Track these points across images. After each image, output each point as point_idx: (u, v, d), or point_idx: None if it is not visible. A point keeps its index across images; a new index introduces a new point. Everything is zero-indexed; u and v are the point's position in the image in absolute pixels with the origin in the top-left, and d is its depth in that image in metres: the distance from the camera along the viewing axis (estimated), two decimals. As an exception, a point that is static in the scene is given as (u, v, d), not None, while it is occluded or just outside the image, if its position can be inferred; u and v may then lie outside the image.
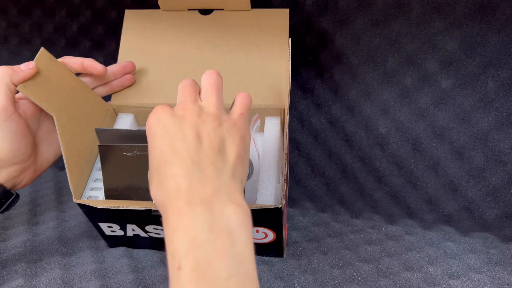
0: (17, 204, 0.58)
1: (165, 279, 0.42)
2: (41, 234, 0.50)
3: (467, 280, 0.43)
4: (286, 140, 0.41)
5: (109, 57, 0.69)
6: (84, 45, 0.70)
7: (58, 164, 0.72)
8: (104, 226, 0.44)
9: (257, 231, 0.43)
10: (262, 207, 0.38)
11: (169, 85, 0.52)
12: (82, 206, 0.40)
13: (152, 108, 0.31)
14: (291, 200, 0.61)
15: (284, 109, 0.51)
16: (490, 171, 0.55)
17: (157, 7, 0.55)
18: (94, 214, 0.42)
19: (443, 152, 0.57)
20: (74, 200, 0.41)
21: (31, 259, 0.45)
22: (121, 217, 0.42)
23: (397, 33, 0.57)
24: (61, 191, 0.63)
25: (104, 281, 0.41)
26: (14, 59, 0.72)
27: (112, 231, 0.45)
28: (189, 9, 0.56)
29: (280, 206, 0.38)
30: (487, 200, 0.55)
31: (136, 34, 0.55)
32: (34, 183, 0.65)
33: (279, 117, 0.51)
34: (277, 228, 0.42)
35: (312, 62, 0.62)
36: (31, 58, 0.72)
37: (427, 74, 0.57)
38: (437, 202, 0.57)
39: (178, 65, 0.54)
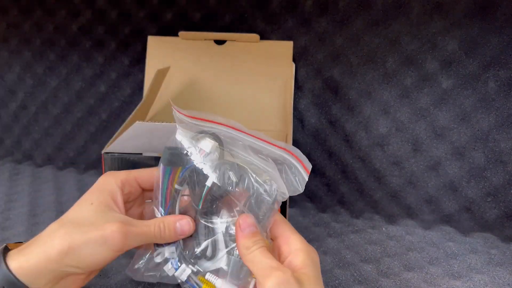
0: (17, 204, 0.58)
1: (165, 279, 0.42)
2: (41, 234, 0.50)
3: (467, 281, 0.43)
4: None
5: (109, 57, 0.69)
6: (84, 45, 0.70)
7: (58, 164, 0.72)
8: None
9: None
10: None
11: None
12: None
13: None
14: (292, 201, 0.60)
15: (287, 135, 0.53)
16: (490, 171, 0.55)
17: (156, 6, 0.55)
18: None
19: (444, 152, 0.57)
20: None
21: (30, 259, 0.45)
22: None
23: (397, 33, 0.57)
24: (61, 191, 0.63)
25: (104, 281, 0.41)
26: (14, 59, 0.72)
27: None
28: (205, 39, 0.62)
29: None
30: (488, 200, 0.55)
31: (160, 61, 0.62)
32: (34, 183, 0.65)
33: None
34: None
35: (312, 62, 0.62)
36: (31, 58, 0.73)
37: (427, 74, 0.57)
38: (437, 202, 0.57)
39: (197, 92, 0.61)
